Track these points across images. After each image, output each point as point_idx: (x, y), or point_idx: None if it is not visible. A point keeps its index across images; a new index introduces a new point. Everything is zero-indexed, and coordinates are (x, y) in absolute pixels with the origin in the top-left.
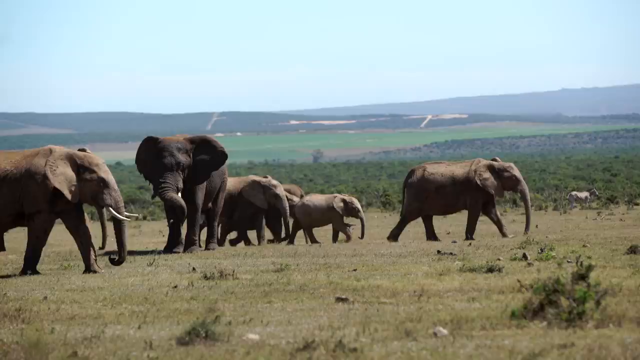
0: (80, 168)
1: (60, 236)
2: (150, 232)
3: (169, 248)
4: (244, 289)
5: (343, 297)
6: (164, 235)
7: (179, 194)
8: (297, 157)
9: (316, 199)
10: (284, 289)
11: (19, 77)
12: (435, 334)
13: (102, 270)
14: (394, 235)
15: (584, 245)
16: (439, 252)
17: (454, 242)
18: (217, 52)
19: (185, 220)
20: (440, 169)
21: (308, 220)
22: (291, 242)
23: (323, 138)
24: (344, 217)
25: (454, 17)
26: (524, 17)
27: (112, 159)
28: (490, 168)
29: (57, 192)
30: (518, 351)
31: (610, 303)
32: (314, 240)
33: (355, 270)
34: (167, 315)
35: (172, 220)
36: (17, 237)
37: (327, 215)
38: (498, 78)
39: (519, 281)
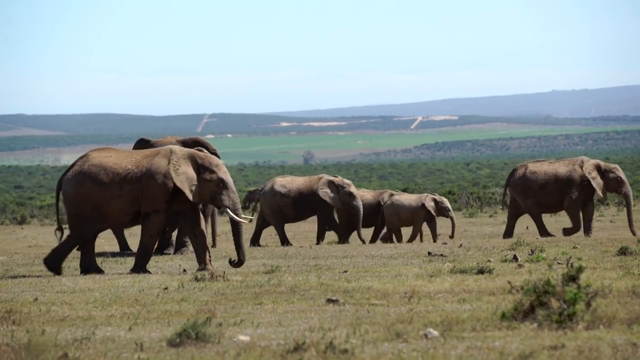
0: (201, 168)
1: (49, 238)
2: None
3: (160, 250)
4: (235, 291)
5: (334, 298)
6: None
7: None
8: (287, 158)
9: (405, 199)
10: (275, 291)
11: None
12: (425, 336)
13: (215, 269)
14: (544, 233)
15: (574, 247)
16: (429, 253)
17: (445, 243)
18: (208, 54)
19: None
20: (543, 167)
21: (397, 220)
22: (389, 241)
23: (313, 140)
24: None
25: (445, 19)
26: (514, 19)
27: None
28: (597, 168)
29: (176, 192)
30: (508, 352)
31: (601, 304)
32: (400, 241)
33: (346, 271)
34: (157, 316)
35: (167, 229)
36: (7, 239)
37: (417, 214)
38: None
39: (509, 282)
